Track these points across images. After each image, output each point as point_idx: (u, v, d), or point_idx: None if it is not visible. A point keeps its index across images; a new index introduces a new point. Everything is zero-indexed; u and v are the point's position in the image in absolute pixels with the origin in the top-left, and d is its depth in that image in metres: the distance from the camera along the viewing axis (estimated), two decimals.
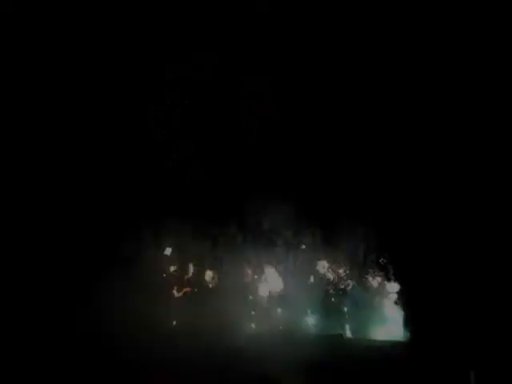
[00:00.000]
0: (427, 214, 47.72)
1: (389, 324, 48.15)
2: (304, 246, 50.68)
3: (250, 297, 49.16)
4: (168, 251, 50.52)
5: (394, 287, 50.22)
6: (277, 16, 46.58)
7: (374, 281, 50.60)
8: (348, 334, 47.45)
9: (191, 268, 51.09)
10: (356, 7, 46.07)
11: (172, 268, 50.72)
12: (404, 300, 48.93)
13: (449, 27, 44.25)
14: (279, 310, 48.42)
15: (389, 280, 50.14)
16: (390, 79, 48.74)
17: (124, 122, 48.39)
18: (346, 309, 48.74)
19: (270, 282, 50.49)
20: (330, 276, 50.61)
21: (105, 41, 45.94)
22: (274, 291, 49.92)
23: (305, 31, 47.39)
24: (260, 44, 47.49)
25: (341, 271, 50.71)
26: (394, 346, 44.55)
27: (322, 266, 50.85)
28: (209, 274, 50.92)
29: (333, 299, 49.13)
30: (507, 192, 44.93)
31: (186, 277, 50.72)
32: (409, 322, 47.32)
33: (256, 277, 50.69)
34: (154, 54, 47.76)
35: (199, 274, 51.17)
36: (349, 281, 50.14)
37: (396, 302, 49.12)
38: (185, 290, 50.16)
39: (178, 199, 49.52)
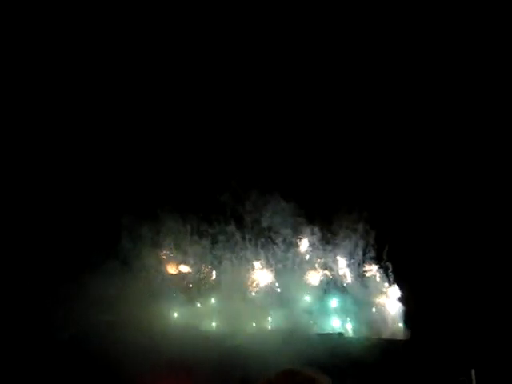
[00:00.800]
0: (426, 212, 47.65)
1: (389, 322, 48.03)
2: (303, 244, 50.52)
3: (250, 295, 49.01)
4: (167, 249, 50.52)
5: (393, 285, 49.98)
6: (277, 16, 46.43)
7: (374, 278, 50.42)
8: (349, 332, 47.30)
9: (191, 267, 51.03)
10: (356, 9, 46.04)
11: (171, 267, 50.64)
12: (403, 298, 48.73)
13: (448, 28, 44.18)
14: (278, 309, 48.28)
15: (388, 277, 50.03)
16: (383, 76, 48.74)
17: (122, 120, 48.24)
18: (346, 307, 48.53)
19: (269, 280, 50.40)
20: (330, 273, 50.37)
21: (105, 41, 45.84)
22: (274, 289, 49.79)
23: (305, 32, 47.29)
24: (260, 44, 47.33)
25: (340, 268, 50.45)
26: (394, 344, 44.48)
27: (321, 263, 50.69)
28: (208, 273, 50.88)
29: (333, 297, 48.95)
30: (505, 191, 44.90)
31: (186, 275, 50.58)
32: (409, 319, 47.21)
33: (255, 275, 50.68)
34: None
35: (198, 272, 51.13)
36: (348, 278, 49.88)
37: (396, 300, 48.87)
38: (184, 288, 50.13)
39: (177, 197, 49.54)
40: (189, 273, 51.59)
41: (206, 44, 48.85)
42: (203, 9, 46.09)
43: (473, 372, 30.86)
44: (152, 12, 46.24)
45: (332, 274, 50.78)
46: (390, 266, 50.67)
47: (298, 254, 50.63)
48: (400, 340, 46.10)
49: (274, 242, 50.27)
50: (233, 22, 46.54)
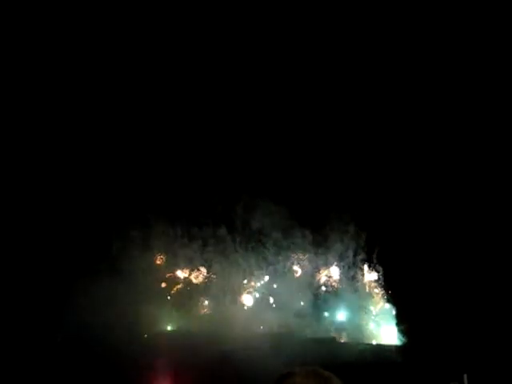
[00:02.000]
0: (417, 213, 48.01)
1: (383, 326, 48.39)
2: (294, 248, 50.75)
3: (241, 299, 49.29)
4: (159, 253, 50.73)
5: (385, 288, 50.22)
6: (277, 16, 46.81)
7: (366, 282, 50.71)
8: (343, 337, 47.62)
9: (182, 270, 51.29)
10: (357, 9, 46.46)
11: (162, 270, 50.86)
12: (395, 302, 49.07)
13: (448, 28, 44.65)
14: (271, 313, 48.58)
15: (378, 279, 50.39)
16: (368, 77, 49.15)
17: (111, 124, 48.40)
18: (340, 312, 48.81)
19: (260, 284, 50.72)
20: (321, 277, 50.63)
21: (105, 42, 46.09)
22: (265, 293, 50.10)
23: (305, 32, 47.66)
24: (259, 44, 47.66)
25: (332, 272, 50.71)
26: (387, 349, 44.86)
27: (313, 267, 50.97)
28: (199, 277, 51.14)
29: (326, 301, 49.21)
30: (495, 191, 45.40)
31: (178, 279, 50.82)
32: (401, 324, 47.60)
33: (247, 279, 50.95)
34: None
35: (189, 276, 51.40)
36: (340, 281, 50.09)
37: (387, 301, 49.04)
38: (175, 290, 50.37)
39: (168, 200, 49.72)
40: (180, 276, 51.92)
41: (201, 44, 49.19)
42: (203, 9, 46.39)
43: (465, 377, 31.21)
44: (152, 12, 46.49)
45: (324, 278, 51.12)
46: (381, 269, 51.10)
47: (289, 258, 50.91)
48: (392, 345, 46.53)
49: (264, 246, 50.58)
50: (232, 23, 46.85)
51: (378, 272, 50.60)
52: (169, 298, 49.78)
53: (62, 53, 45.73)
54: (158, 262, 51.10)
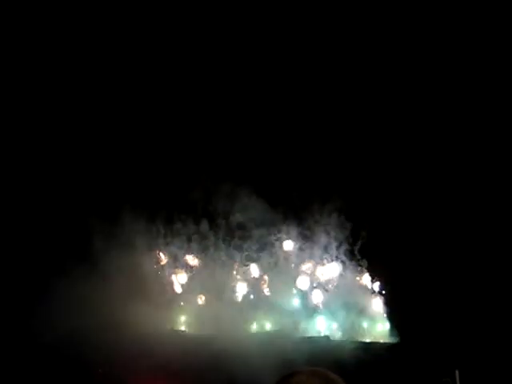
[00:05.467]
0: (403, 204, 49.33)
1: (377, 324, 49.78)
2: (281, 243, 51.85)
3: (233, 297, 50.47)
4: (145, 250, 51.78)
5: (377, 285, 51.46)
6: (276, 16, 48.03)
7: (358, 278, 51.90)
8: (338, 335, 48.93)
9: (169, 267, 52.44)
10: (357, 9, 47.76)
11: (148, 269, 51.97)
12: (387, 299, 50.36)
13: (448, 27, 46.07)
14: (262, 311, 49.78)
15: (372, 277, 51.67)
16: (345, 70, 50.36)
17: (90, 118, 49.45)
18: (333, 310, 49.97)
19: (250, 282, 51.84)
20: (312, 274, 51.76)
21: (105, 41, 47.19)
22: (257, 292, 51.18)
23: (305, 32, 48.89)
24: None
25: (323, 269, 51.83)
26: (380, 347, 46.46)
27: (302, 263, 52.14)
28: (185, 274, 52.38)
29: (318, 299, 50.41)
30: (486, 186, 46.96)
31: (166, 277, 51.95)
32: (393, 320, 49.12)
33: (237, 277, 52.03)
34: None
35: (175, 273, 52.58)
36: (332, 278, 51.21)
37: (379, 294, 50.29)
38: (163, 289, 51.50)
39: (148, 195, 50.71)
40: (166, 274, 52.80)
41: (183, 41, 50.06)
42: (203, 9, 47.37)
43: (457, 373, 32.57)
44: (151, 12, 47.47)
45: (315, 275, 52.01)
46: (364, 261, 51.80)
47: (276, 254, 51.64)
48: (385, 343, 47.86)
49: (249, 242, 51.40)
50: (232, 22, 47.88)
51: (367, 269, 51.53)
52: (157, 297, 50.81)
53: (62, 51, 46.75)
54: (145, 260, 51.98)
